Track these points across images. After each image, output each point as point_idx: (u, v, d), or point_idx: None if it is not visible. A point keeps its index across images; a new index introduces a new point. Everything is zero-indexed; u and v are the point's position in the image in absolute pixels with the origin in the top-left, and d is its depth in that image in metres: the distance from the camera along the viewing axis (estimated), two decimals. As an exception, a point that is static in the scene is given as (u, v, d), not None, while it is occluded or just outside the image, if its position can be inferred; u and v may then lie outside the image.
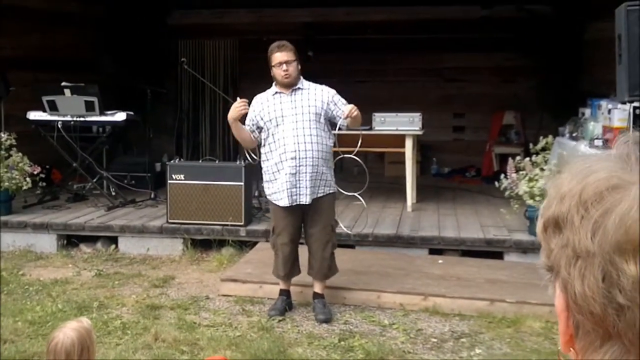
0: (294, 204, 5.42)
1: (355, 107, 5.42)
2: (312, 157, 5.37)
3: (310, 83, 5.59)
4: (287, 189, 5.39)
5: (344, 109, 5.44)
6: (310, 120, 5.39)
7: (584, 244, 0.76)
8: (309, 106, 5.42)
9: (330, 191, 5.53)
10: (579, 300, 0.78)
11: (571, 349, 0.84)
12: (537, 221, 0.86)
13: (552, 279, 0.83)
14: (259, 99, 5.58)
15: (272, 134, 5.45)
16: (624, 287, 0.74)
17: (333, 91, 5.59)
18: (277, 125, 5.43)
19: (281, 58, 5.40)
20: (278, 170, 5.43)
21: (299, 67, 5.50)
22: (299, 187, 5.39)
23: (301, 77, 5.54)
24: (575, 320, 0.81)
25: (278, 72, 5.42)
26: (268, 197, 5.66)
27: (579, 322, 0.80)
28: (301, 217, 5.53)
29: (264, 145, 5.53)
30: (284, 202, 5.43)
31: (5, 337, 5.04)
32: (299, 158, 5.36)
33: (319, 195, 5.44)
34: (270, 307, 5.69)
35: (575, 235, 0.78)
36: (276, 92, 5.51)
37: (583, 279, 0.77)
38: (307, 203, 5.41)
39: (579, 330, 0.81)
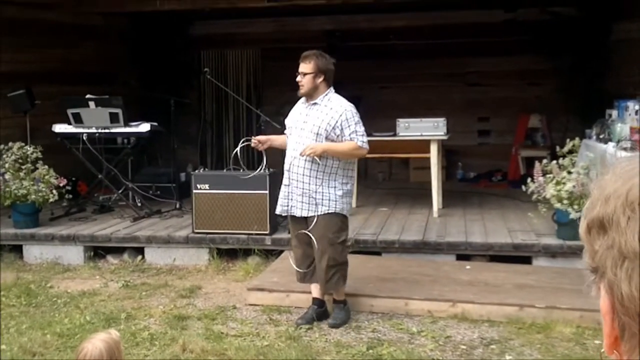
0: (284, 214, 5.55)
1: (312, 151, 5.22)
2: (303, 174, 5.36)
3: (333, 98, 5.42)
4: (281, 197, 5.51)
5: (347, 136, 5.37)
6: (309, 139, 5.34)
7: (631, 245, 0.76)
8: (313, 125, 5.36)
9: (329, 211, 5.36)
10: (626, 302, 0.77)
11: (615, 351, 0.83)
12: (580, 222, 0.85)
13: (597, 280, 0.83)
14: (299, 101, 5.63)
15: (288, 141, 5.55)
16: None
17: (349, 114, 5.34)
18: (290, 134, 5.52)
19: (299, 68, 5.42)
20: (284, 177, 5.53)
21: (318, 81, 5.37)
22: (290, 200, 5.44)
23: (329, 90, 5.43)
24: (621, 322, 0.80)
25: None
26: None
27: (624, 324, 0.79)
28: (306, 224, 5.47)
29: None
30: (278, 209, 5.59)
31: (34, 349, 5.06)
32: (291, 172, 5.41)
33: (315, 213, 5.36)
34: (300, 316, 5.67)
35: (622, 236, 0.77)
36: (303, 102, 5.54)
37: (630, 280, 0.76)
38: (300, 215, 5.41)
39: (624, 332, 0.80)
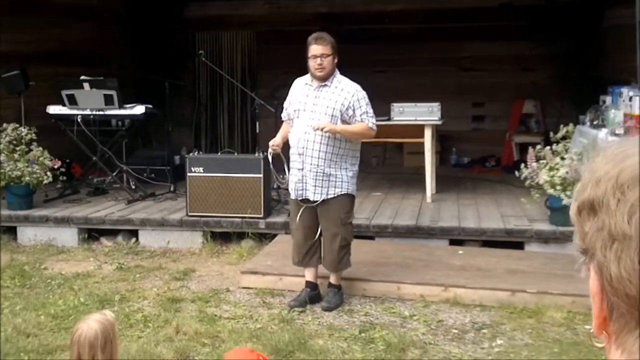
0: (299, 198, 5.48)
1: (328, 127, 5.26)
2: (318, 157, 5.36)
3: (343, 80, 5.48)
4: (295, 182, 5.47)
5: (358, 117, 5.41)
6: (323, 120, 5.33)
7: (621, 227, 0.78)
8: (327, 106, 5.37)
9: (342, 192, 5.44)
10: (615, 283, 0.79)
11: (604, 331, 0.85)
12: (571, 204, 0.87)
13: (587, 261, 0.84)
14: (295, 83, 5.63)
15: (293, 124, 5.52)
16: None
17: (360, 95, 5.41)
18: (298, 117, 5.46)
19: (316, 51, 5.36)
20: (293, 161, 5.49)
21: (335, 61, 5.43)
22: (305, 183, 5.42)
23: (336, 72, 5.47)
24: (609, 303, 0.82)
25: (312, 64, 5.39)
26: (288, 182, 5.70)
27: (613, 305, 0.81)
28: (314, 208, 5.50)
29: (290, 132, 5.56)
30: (292, 194, 5.53)
31: (29, 331, 5.08)
32: (305, 155, 5.39)
33: (329, 196, 5.41)
34: (293, 298, 5.71)
35: (612, 218, 0.79)
36: (307, 83, 5.51)
37: (619, 262, 0.78)
38: (313, 199, 5.42)
39: (613, 312, 0.82)
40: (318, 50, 5.35)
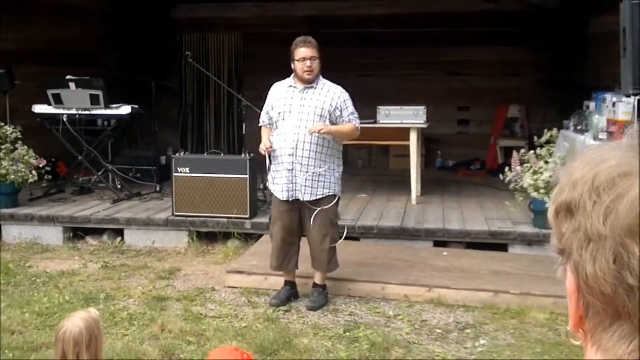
0: (291, 199, 5.49)
1: (325, 128, 5.33)
2: (309, 158, 5.40)
3: (327, 82, 5.56)
4: (285, 184, 5.48)
5: (346, 118, 5.48)
6: (313, 121, 5.38)
7: (596, 228, 0.80)
8: (316, 107, 5.42)
9: (330, 193, 5.50)
10: (591, 282, 0.81)
11: (580, 330, 0.87)
12: (549, 207, 0.89)
13: (564, 261, 0.87)
14: (275, 88, 5.65)
15: (278, 127, 5.52)
16: (634, 268, 0.77)
17: (346, 96, 5.53)
18: (283, 119, 5.48)
19: (305, 54, 5.41)
20: (280, 163, 5.49)
21: (321, 65, 5.50)
22: (295, 184, 5.45)
23: (320, 76, 5.54)
24: (585, 302, 0.84)
25: (300, 67, 5.43)
26: (269, 185, 5.70)
27: (589, 303, 0.84)
28: (298, 210, 5.55)
29: (272, 135, 5.58)
30: (283, 195, 5.52)
31: (13, 328, 5.08)
32: (296, 156, 5.41)
33: (318, 196, 5.46)
34: (273, 296, 5.74)
35: (588, 219, 0.81)
36: (291, 86, 5.55)
37: (595, 261, 0.80)
38: (303, 200, 5.46)
39: (589, 311, 0.84)
40: (308, 53, 5.40)
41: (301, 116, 5.42)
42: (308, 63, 5.39)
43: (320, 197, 5.47)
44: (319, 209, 5.45)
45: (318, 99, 5.44)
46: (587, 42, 10.40)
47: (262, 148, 5.57)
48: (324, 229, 5.53)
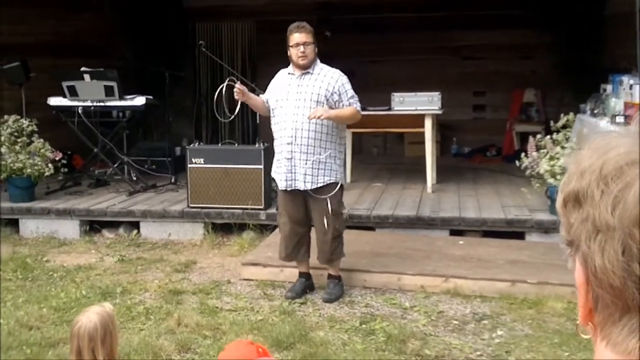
0: (289, 188, 5.47)
1: (325, 113, 5.27)
2: (308, 145, 5.36)
3: (324, 67, 5.53)
4: (284, 172, 5.45)
5: (345, 102, 5.44)
6: (311, 108, 5.34)
7: (604, 218, 0.78)
8: (312, 93, 5.38)
9: (331, 181, 5.45)
10: (599, 274, 0.79)
11: (589, 323, 0.85)
12: (557, 196, 0.87)
13: (572, 253, 0.85)
14: (278, 74, 5.65)
15: (276, 115, 5.51)
16: None
17: (344, 80, 5.49)
18: (281, 107, 5.47)
19: (299, 39, 5.39)
20: (280, 152, 5.49)
21: (316, 50, 5.48)
22: (295, 173, 5.41)
23: (317, 60, 5.51)
24: (594, 294, 0.82)
25: (294, 53, 5.41)
26: (272, 175, 5.69)
27: (598, 296, 0.82)
28: (303, 199, 5.52)
29: (271, 123, 5.58)
30: (282, 185, 5.51)
31: (31, 323, 5.11)
32: (295, 144, 5.38)
33: (319, 184, 5.41)
34: (288, 289, 5.73)
35: (596, 209, 0.79)
36: (289, 73, 5.53)
37: (603, 253, 0.78)
38: (303, 189, 5.42)
39: (598, 303, 0.82)
40: (301, 38, 5.39)
41: (298, 103, 5.40)
42: (301, 48, 5.37)
43: (322, 184, 5.42)
44: (321, 197, 5.42)
45: (314, 85, 5.41)
46: (603, 24, 10.27)
47: (237, 89, 5.46)
48: (327, 219, 5.48)
